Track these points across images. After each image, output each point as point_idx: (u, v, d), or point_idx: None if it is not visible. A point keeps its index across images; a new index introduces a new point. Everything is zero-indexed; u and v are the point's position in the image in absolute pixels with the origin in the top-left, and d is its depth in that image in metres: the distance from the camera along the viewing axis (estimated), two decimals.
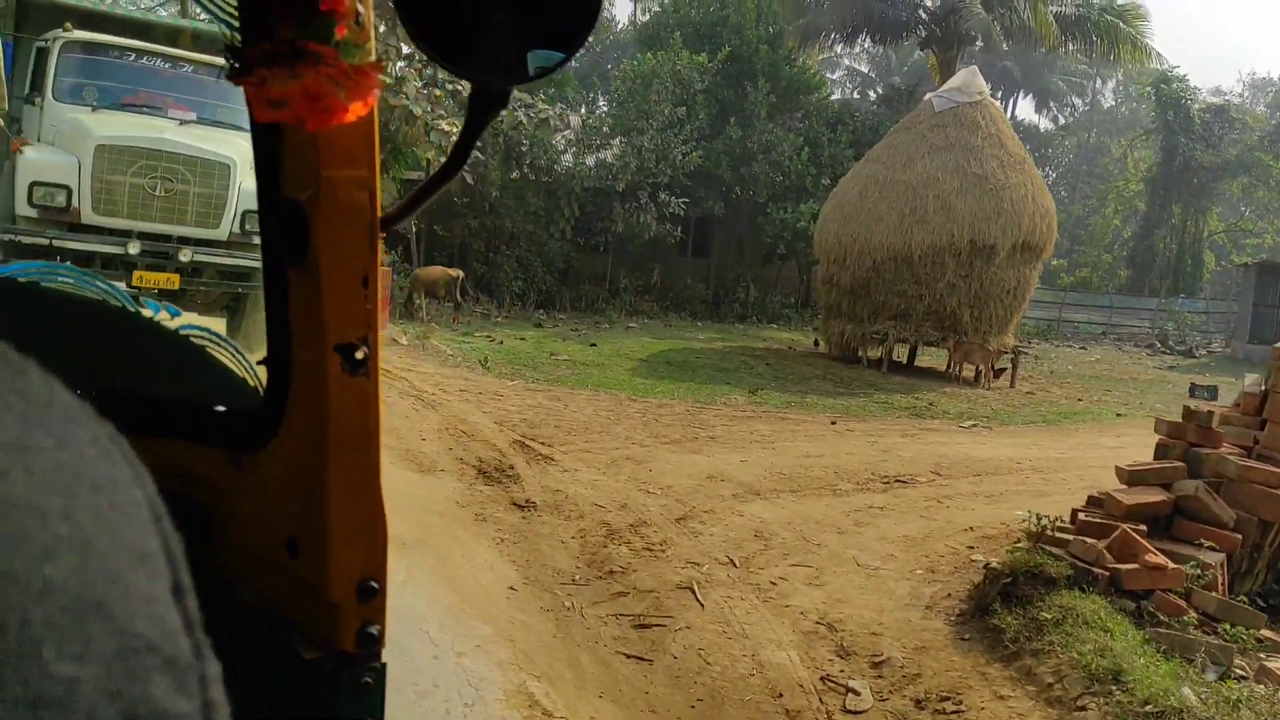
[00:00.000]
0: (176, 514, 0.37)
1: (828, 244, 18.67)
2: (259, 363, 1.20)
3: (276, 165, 1.06)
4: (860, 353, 18.57)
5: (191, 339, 1.36)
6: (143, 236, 8.95)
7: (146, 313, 1.37)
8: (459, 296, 18.96)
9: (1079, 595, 5.07)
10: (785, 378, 16.17)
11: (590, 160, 23.72)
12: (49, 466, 0.31)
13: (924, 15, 28.72)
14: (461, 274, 19.08)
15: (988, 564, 5.70)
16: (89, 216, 8.82)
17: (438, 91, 21.18)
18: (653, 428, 10.16)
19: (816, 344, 20.96)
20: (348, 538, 1.10)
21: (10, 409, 0.31)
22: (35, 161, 8.77)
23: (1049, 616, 4.93)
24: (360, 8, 0.90)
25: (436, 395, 10.53)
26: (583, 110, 27.76)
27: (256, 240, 9.18)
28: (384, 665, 1.16)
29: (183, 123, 9.49)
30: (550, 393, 11.80)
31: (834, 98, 28.88)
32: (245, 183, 9.25)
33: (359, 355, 1.06)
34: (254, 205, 9.14)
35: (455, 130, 20.10)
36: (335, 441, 1.08)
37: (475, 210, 23.00)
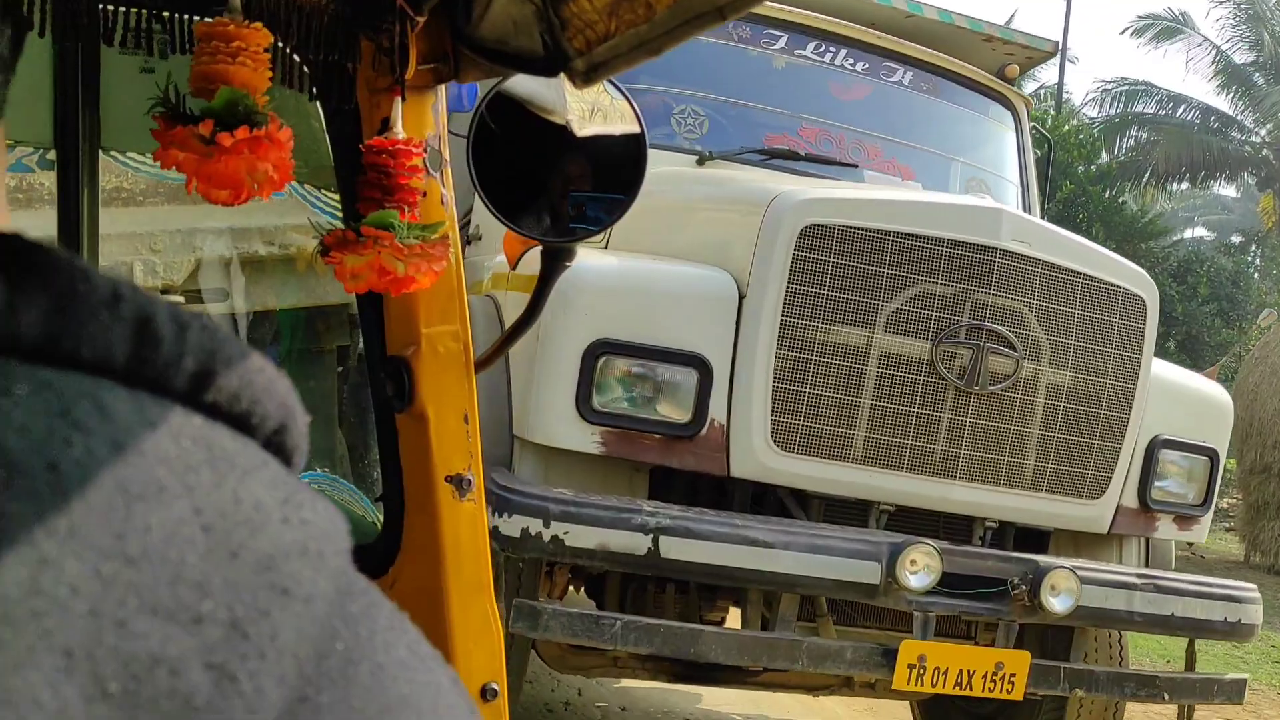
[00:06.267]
0: None
1: (1262, 422, 14.54)
2: (375, 500, 1.24)
3: (382, 328, 1.18)
4: None
5: (310, 486, 1.16)
6: (901, 521, 3.11)
7: None
8: None
9: None
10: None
11: None
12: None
13: (1270, 153, 24.78)
14: None
15: None
16: (758, 454, 3.00)
17: None
18: None
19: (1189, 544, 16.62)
20: (468, 646, 1.19)
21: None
22: (605, 289, 3.01)
23: None
24: (444, 190, 1.12)
25: None
26: None
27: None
28: None
29: None
30: None
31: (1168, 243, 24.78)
32: (1158, 368, 3.55)
33: (465, 483, 1.17)
34: (1169, 430, 3.63)
35: None
36: (450, 561, 1.17)
37: None
